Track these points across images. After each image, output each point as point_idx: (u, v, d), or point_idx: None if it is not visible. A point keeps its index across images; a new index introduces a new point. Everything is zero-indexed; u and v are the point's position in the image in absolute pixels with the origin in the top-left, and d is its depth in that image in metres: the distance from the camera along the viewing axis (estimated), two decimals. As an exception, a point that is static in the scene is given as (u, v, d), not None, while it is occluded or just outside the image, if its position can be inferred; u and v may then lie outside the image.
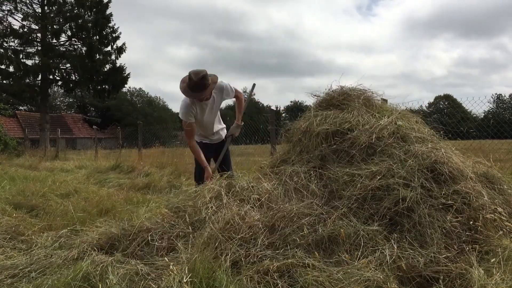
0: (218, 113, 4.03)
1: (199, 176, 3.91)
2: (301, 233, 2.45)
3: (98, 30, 25.06)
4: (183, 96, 3.72)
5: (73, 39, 25.51)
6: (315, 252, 2.32)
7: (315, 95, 3.81)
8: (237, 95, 3.97)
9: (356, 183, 2.73)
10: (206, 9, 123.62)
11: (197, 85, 3.49)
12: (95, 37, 25.07)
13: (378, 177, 2.70)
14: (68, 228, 3.43)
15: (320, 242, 2.41)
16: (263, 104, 61.00)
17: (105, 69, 25.86)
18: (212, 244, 2.37)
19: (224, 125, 4.18)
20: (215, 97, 3.81)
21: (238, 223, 2.50)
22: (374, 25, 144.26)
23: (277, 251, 2.34)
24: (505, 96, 60.80)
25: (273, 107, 7.56)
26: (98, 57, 25.25)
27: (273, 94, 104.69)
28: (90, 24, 24.72)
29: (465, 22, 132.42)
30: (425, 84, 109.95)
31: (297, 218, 2.56)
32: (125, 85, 28.67)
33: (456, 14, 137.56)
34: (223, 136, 4.11)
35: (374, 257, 2.25)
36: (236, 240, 2.39)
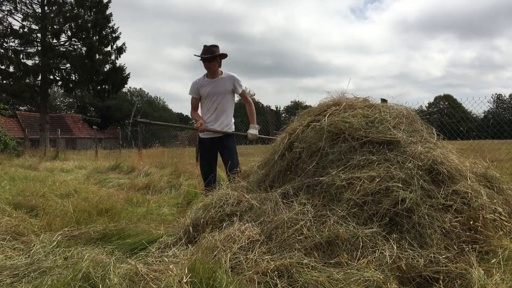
0: (227, 104, 4.36)
1: (204, 174, 4.40)
2: (298, 238, 2.45)
3: (98, 30, 25.04)
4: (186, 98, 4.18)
5: (73, 39, 25.50)
6: (315, 253, 2.32)
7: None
8: (246, 98, 4.46)
9: (356, 186, 2.72)
10: (204, 11, 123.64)
11: (208, 49, 4.16)
12: (95, 37, 25.05)
13: (377, 180, 2.69)
14: (68, 228, 3.42)
15: (319, 244, 2.41)
16: (263, 105, 61.02)
17: (105, 69, 25.83)
18: (210, 252, 2.38)
19: (232, 123, 4.43)
20: (225, 80, 4.30)
21: (238, 235, 2.53)
22: (370, 26, 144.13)
23: (274, 255, 2.35)
24: (505, 96, 60.85)
25: (273, 107, 7.59)
26: (98, 57, 25.22)
27: (273, 95, 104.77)
28: (90, 24, 24.69)
29: (462, 23, 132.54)
30: (423, 85, 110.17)
31: (291, 224, 2.56)
32: (125, 85, 28.69)
33: (453, 15, 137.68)
34: (228, 130, 4.35)
35: (374, 258, 2.25)
36: (234, 249, 2.41)
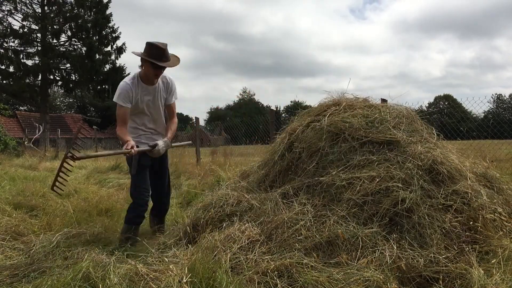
0: (163, 116, 3.48)
1: (143, 198, 3.31)
2: (298, 238, 2.45)
3: (98, 30, 25.07)
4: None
5: (73, 39, 25.52)
6: (313, 254, 2.32)
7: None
8: (174, 112, 3.51)
9: (356, 186, 2.71)
10: (204, 11, 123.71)
11: (164, 54, 3.09)
12: (95, 37, 25.07)
13: (377, 180, 2.69)
14: (68, 228, 3.42)
15: (319, 244, 2.41)
16: (262, 104, 61.10)
17: (105, 69, 25.87)
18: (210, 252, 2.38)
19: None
20: (162, 86, 3.36)
21: (238, 235, 2.52)
22: (369, 26, 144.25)
23: (274, 255, 2.35)
24: (505, 96, 60.87)
25: (273, 107, 7.59)
26: (98, 57, 25.26)
27: (273, 95, 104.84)
28: (90, 24, 24.72)
29: (462, 23, 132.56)
30: (423, 85, 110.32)
31: (291, 224, 2.56)
32: (125, 85, 28.67)
33: (453, 15, 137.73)
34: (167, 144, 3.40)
35: (374, 258, 2.25)
36: (234, 249, 2.41)
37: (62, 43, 25.66)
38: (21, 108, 42.44)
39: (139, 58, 3.20)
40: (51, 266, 2.50)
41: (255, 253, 2.39)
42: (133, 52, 3.22)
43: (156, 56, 3.10)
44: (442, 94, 54.12)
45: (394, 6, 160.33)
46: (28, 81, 24.86)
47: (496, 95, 60.51)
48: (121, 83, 3.23)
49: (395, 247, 2.30)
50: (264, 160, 3.55)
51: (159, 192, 3.55)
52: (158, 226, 3.52)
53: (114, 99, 3.23)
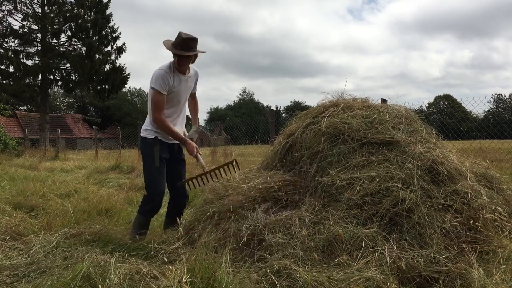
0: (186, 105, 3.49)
1: (160, 195, 3.32)
2: (298, 238, 2.44)
3: (98, 30, 25.06)
4: None
5: (72, 39, 25.52)
6: (314, 255, 2.32)
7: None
8: (195, 96, 3.59)
9: (356, 186, 2.71)
10: (203, 11, 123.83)
11: (186, 42, 3.10)
12: (95, 37, 25.07)
13: (377, 180, 2.69)
14: (68, 228, 3.42)
15: (319, 245, 2.41)
16: (263, 105, 61.11)
17: (105, 69, 25.86)
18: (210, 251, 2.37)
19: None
20: (192, 77, 3.39)
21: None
22: (368, 26, 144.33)
23: (275, 255, 2.34)
24: (504, 96, 60.91)
25: (273, 107, 7.58)
26: (97, 57, 25.25)
27: (272, 95, 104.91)
28: (89, 24, 24.72)
29: (461, 23, 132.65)
30: (422, 85, 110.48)
31: (291, 225, 2.56)
32: (125, 85, 28.72)
33: (452, 16, 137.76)
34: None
35: (374, 258, 2.25)
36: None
37: (62, 43, 25.69)
38: (21, 108, 42.49)
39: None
40: (51, 266, 2.49)
41: (255, 253, 2.39)
42: (164, 41, 3.27)
43: (177, 46, 3.13)
44: (442, 94, 54.24)
45: (392, 6, 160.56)
46: (28, 81, 24.87)
47: (496, 95, 60.56)
48: (158, 70, 3.18)
49: (395, 247, 2.30)
50: (263, 163, 3.53)
51: (176, 185, 3.48)
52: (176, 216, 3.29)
53: (152, 85, 3.14)
